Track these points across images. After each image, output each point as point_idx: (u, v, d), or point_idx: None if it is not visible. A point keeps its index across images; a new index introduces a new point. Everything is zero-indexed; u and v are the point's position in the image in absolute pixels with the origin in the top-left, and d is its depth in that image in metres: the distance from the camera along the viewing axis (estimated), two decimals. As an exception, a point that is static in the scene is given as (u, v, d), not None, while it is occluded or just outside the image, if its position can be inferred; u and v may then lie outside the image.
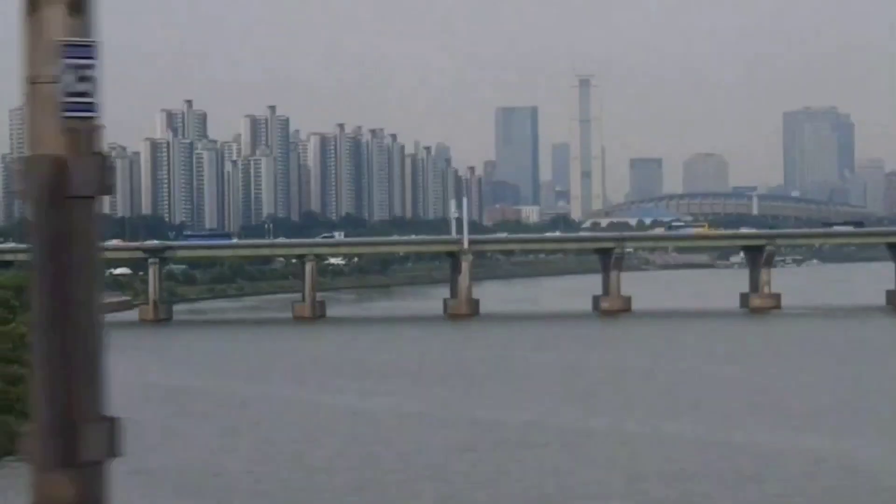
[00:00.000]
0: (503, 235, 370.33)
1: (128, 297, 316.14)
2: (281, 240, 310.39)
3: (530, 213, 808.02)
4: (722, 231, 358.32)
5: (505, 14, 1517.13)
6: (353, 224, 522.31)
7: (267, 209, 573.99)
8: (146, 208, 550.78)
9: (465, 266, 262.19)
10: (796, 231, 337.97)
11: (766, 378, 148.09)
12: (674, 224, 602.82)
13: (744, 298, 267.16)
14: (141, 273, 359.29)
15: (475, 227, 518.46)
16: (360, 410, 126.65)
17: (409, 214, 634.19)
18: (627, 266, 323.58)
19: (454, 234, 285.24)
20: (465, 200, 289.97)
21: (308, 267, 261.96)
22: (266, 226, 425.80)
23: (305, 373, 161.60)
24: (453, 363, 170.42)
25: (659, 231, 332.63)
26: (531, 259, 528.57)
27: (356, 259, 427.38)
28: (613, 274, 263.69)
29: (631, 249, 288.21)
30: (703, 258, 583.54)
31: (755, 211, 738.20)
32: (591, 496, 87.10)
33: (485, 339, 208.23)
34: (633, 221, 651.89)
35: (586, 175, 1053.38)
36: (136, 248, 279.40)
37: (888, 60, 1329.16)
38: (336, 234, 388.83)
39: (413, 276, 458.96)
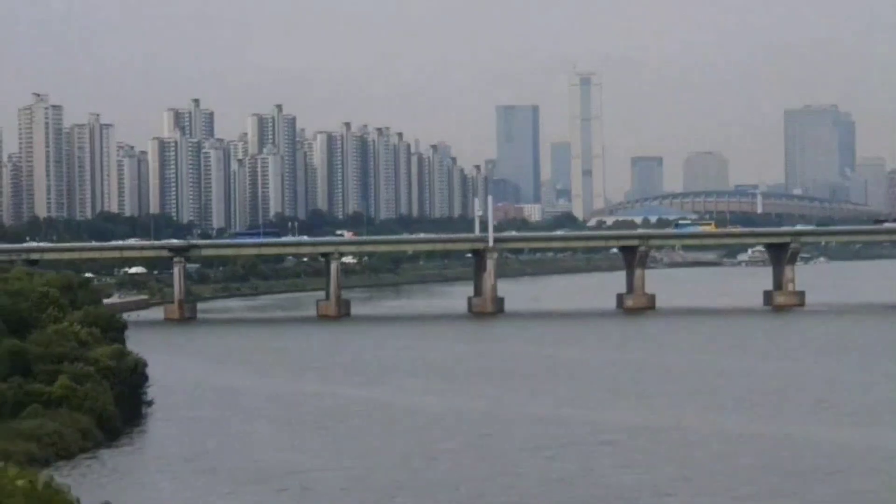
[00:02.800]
0: (529, 234, 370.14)
1: (145, 297, 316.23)
2: (305, 238, 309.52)
3: (532, 212, 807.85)
4: (745, 229, 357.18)
5: (506, 12, 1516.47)
6: (360, 223, 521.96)
7: (274, 208, 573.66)
8: (154, 208, 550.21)
9: (490, 264, 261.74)
10: (821, 229, 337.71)
11: (818, 375, 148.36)
12: (680, 222, 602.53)
13: (767, 296, 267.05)
14: (156, 272, 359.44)
15: (484, 226, 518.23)
16: (418, 408, 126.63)
17: (415, 213, 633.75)
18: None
19: (478, 233, 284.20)
20: (489, 199, 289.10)
21: (333, 265, 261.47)
22: (290, 224, 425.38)
23: (352, 370, 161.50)
24: (497, 361, 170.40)
25: (683, 230, 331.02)
26: (539, 257, 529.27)
27: (366, 258, 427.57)
28: (638, 272, 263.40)
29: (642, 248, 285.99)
30: (709, 256, 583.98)
31: (759, 209, 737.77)
32: (675, 493, 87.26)
33: (519, 337, 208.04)
34: (638, 220, 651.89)
35: (587, 173, 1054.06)
36: (162, 247, 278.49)
37: (889, 59, 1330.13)
38: (343, 232, 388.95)
39: (424, 274, 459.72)
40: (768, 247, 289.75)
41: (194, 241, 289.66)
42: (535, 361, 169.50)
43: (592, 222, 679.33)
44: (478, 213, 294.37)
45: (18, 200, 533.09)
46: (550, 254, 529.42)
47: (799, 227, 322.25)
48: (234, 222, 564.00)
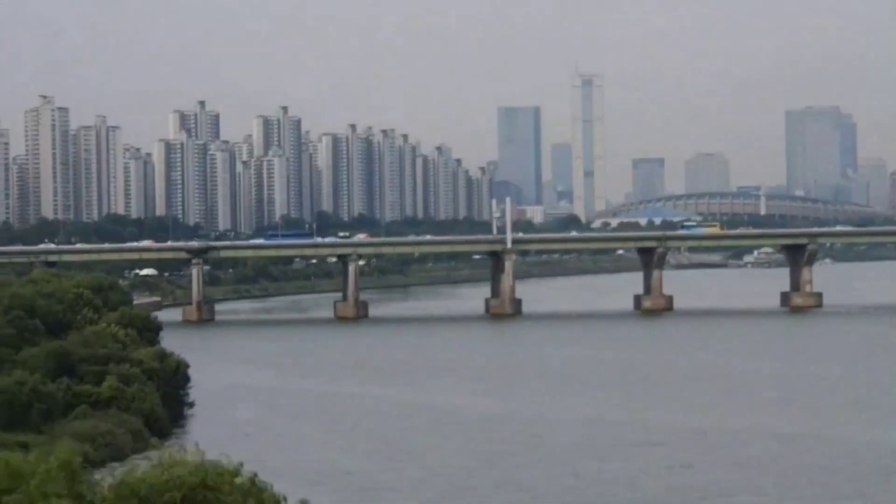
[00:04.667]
0: (547, 235, 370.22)
1: (157, 298, 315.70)
2: (330, 239, 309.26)
3: (534, 214, 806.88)
4: (761, 230, 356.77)
5: (508, 13, 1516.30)
6: (366, 224, 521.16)
7: (280, 210, 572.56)
8: (160, 210, 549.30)
9: (508, 265, 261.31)
10: (840, 230, 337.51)
11: (854, 376, 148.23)
12: (686, 224, 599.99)
13: (784, 297, 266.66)
14: (166, 274, 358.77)
15: (488, 227, 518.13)
16: (459, 410, 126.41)
17: (420, 214, 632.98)
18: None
19: (495, 234, 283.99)
20: (508, 200, 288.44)
21: (351, 267, 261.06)
22: (307, 226, 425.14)
23: (384, 371, 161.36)
24: (527, 362, 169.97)
25: (695, 230, 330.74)
26: (545, 259, 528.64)
27: (374, 260, 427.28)
28: (655, 273, 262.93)
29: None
30: (714, 258, 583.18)
31: (763, 210, 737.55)
32: (736, 493, 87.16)
33: (543, 339, 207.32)
34: (642, 221, 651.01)
35: (588, 175, 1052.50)
36: (181, 249, 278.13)
37: (890, 59, 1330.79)
38: (346, 234, 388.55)
39: (432, 276, 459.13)
40: (785, 248, 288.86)
41: (212, 243, 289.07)
42: (565, 363, 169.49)
43: (597, 224, 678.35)
44: (495, 214, 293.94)
45: (25, 203, 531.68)
46: (557, 255, 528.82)
47: (808, 229, 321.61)
48: (240, 224, 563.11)
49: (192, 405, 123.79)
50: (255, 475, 41.25)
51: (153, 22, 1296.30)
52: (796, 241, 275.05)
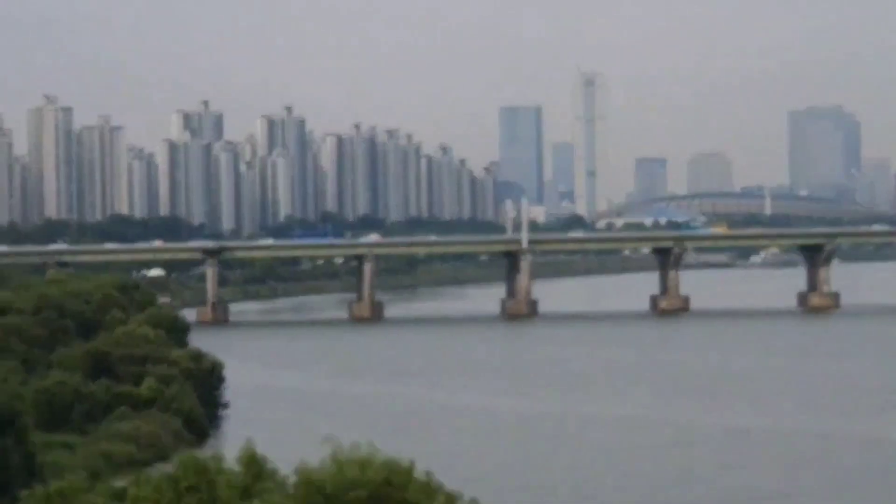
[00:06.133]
0: (562, 235, 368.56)
1: (167, 299, 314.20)
2: (371, 238, 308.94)
3: (537, 214, 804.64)
4: (777, 229, 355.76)
5: (509, 12, 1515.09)
6: (370, 225, 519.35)
7: (284, 210, 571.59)
8: (164, 210, 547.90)
9: (524, 266, 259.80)
10: (858, 230, 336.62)
11: (884, 375, 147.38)
12: (691, 224, 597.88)
13: (801, 297, 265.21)
14: (173, 275, 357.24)
15: (492, 227, 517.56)
16: (493, 410, 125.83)
17: (424, 214, 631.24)
18: (649, 266, 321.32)
19: (511, 234, 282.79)
20: (523, 201, 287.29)
21: (367, 267, 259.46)
22: (317, 226, 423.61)
23: (412, 372, 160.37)
24: (552, 363, 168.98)
25: (717, 231, 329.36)
26: (551, 260, 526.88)
27: (381, 260, 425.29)
28: (672, 273, 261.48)
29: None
30: (721, 258, 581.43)
31: (768, 210, 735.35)
32: (792, 493, 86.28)
33: (565, 339, 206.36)
34: (647, 222, 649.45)
35: (590, 174, 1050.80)
36: (196, 249, 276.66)
37: (894, 58, 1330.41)
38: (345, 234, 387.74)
39: (438, 277, 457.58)
40: (802, 248, 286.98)
41: (226, 243, 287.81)
42: (589, 363, 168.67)
43: (602, 224, 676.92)
44: (510, 214, 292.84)
45: (28, 203, 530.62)
46: (562, 256, 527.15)
47: (825, 229, 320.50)
48: (244, 224, 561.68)
49: (226, 406, 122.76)
50: (432, 473, 40.41)
51: (156, 21, 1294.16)
52: (813, 242, 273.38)
